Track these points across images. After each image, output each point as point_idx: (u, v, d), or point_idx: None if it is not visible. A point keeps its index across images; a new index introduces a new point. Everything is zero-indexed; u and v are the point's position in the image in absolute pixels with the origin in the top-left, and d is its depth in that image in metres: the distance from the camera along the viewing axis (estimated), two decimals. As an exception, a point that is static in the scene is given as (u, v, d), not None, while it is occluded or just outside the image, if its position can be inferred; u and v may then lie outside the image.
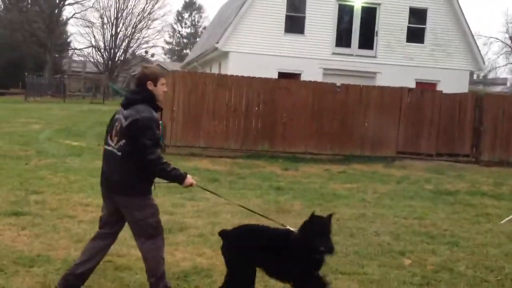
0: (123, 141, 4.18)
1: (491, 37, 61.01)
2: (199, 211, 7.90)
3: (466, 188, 11.39)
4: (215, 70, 24.44)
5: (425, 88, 19.07)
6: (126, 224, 6.81)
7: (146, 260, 4.39)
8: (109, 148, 4.31)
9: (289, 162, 13.94)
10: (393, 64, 22.35)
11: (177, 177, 4.25)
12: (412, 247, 6.51)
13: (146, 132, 4.09)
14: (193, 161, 13.29)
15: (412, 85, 20.38)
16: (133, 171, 4.17)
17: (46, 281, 4.76)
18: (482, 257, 6.22)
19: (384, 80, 20.51)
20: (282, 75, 20.45)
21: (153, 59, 63.11)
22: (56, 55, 51.79)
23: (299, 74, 21.36)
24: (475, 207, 9.30)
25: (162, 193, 8.95)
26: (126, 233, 6.39)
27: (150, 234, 4.31)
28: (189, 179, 4.29)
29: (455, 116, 16.06)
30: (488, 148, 16.08)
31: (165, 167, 4.16)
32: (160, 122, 15.65)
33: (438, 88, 20.63)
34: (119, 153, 4.20)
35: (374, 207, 8.83)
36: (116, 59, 54.34)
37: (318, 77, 18.93)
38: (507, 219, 3.92)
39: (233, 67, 20.08)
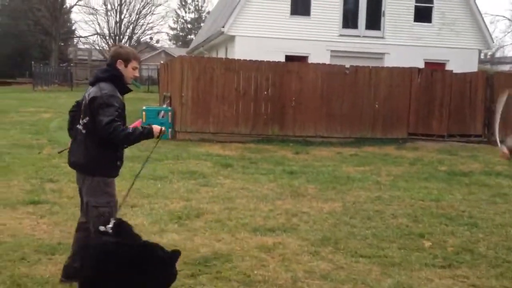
0: (87, 118, 4.06)
1: (497, 15, 60.32)
2: (214, 196, 7.89)
3: (480, 168, 11.31)
4: (221, 54, 24.32)
5: (434, 68, 18.89)
6: (143, 210, 6.88)
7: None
8: (78, 126, 4.21)
9: (300, 146, 13.90)
10: (401, 45, 22.14)
11: (145, 134, 4.05)
12: (431, 229, 6.48)
13: (105, 109, 3.94)
14: (204, 146, 13.28)
15: (421, 65, 20.15)
16: (96, 150, 4.06)
17: (69, 269, 4.76)
18: (502, 238, 6.18)
19: (392, 61, 20.30)
20: (289, 58, 20.29)
21: (158, 45, 62.95)
22: (62, 44, 51.72)
23: (306, 57, 21.20)
24: (491, 188, 9.24)
25: (176, 179, 8.99)
26: (144, 219, 6.45)
27: (100, 223, 4.08)
28: (155, 127, 4.11)
29: (466, 96, 15.91)
30: (500, 127, 15.87)
31: (128, 130, 3.96)
32: (170, 108, 15.77)
33: (447, 67, 20.45)
34: (84, 131, 4.10)
35: (390, 190, 8.79)
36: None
37: (326, 60, 18.75)
38: None
39: (239, 51, 19.97)
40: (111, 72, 4.15)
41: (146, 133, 4.06)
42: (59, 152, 4.15)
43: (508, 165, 11.77)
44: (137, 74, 4.31)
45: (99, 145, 4.05)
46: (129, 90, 4.33)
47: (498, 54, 58.85)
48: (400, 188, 8.96)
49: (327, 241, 5.86)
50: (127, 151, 4.34)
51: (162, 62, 25.13)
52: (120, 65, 4.17)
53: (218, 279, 4.68)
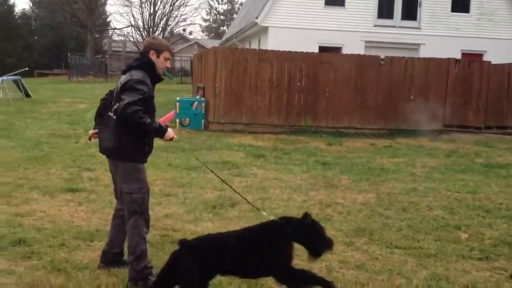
0: (117, 104, 4.10)
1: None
2: (247, 186, 7.93)
3: (518, 161, 11.06)
4: (254, 46, 24.31)
5: (471, 59, 18.47)
6: (177, 199, 6.97)
7: (128, 237, 4.28)
8: (109, 113, 4.26)
9: (333, 137, 13.82)
10: (437, 35, 21.74)
11: (158, 129, 4.07)
12: (467, 221, 6.38)
13: (131, 92, 3.98)
14: (237, 137, 13.34)
15: (458, 56, 19.74)
16: (125, 136, 4.10)
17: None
18: (542, 231, 6.04)
19: (428, 51, 19.93)
20: (323, 49, 20.17)
21: (191, 37, 63.26)
22: (97, 35, 52.50)
23: (341, 48, 21.05)
24: (529, 180, 9.03)
25: (208, 170, 9.05)
26: (179, 208, 6.55)
27: (134, 210, 4.17)
28: (171, 132, 4.12)
29: (504, 87, 15.56)
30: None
31: (145, 119, 3.96)
32: (203, 99, 15.87)
33: (485, 58, 19.98)
34: (114, 117, 4.15)
35: (425, 181, 8.67)
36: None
37: (360, 50, 18.56)
38: None
39: (272, 42, 19.93)
40: (142, 60, 4.22)
41: (159, 131, 4.09)
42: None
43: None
44: (168, 65, 4.37)
45: (128, 131, 4.10)
46: (161, 79, 4.38)
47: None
48: (436, 180, 8.84)
49: (361, 232, 5.83)
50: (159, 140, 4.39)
51: (195, 53, 25.31)
52: (152, 55, 4.23)
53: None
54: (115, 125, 4.17)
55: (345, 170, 9.49)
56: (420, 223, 6.23)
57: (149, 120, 4.03)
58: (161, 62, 4.27)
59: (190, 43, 59.14)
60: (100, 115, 4.49)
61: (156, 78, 4.29)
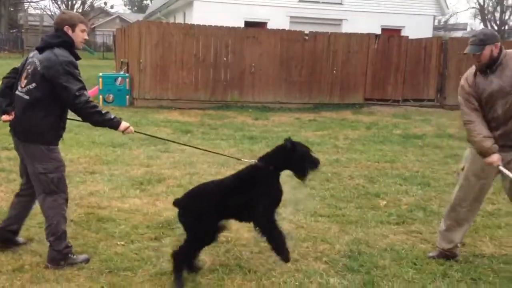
0: (33, 84, 3.96)
1: (452, -18, 61.23)
2: (175, 162, 7.92)
3: (433, 131, 11.72)
4: (179, 20, 23.89)
5: (391, 34, 19.16)
6: (103, 176, 6.85)
7: (46, 217, 4.13)
8: (18, 93, 4.08)
9: (259, 112, 14.00)
10: (359, 11, 22.31)
11: (112, 121, 4.02)
12: (386, 189, 6.74)
13: (68, 76, 3.88)
14: (163, 113, 13.20)
15: (378, 31, 20.44)
16: (40, 118, 3.97)
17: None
18: (453, 196, 6.48)
19: (350, 27, 20.50)
20: (248, 24, 20.17)
21: (112, 10, 61.19)
22: (11, 9, 49.57)
23: (266, 23, 21.12)
24: (442, 149, 9.62)
25: (136, 146, 8.95)
26: (105, 186, 6.45)
27: (51, 190, 4.06)
28: (125, 124, 4.09)
29: (421, 62, 16.29)
30: (452, 92, 16.40)
31: (99, 109, 3.94)
32: (127, 74, 15.47)
33: (403, 34, 20.76)
34: (27, 97, 3.99)
35: (347, 153, 9.03)
36: (74, 11, 52.41)
37: (285, 26, 18.71)
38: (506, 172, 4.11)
39: (198, 17, 19.68)
40: (63, 38, 4.05)
41: (113, 123, 4.04)
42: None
43: (459, 128, 12.23)
44: (86, 37, 4.21)
45: (42, 113, 3.96)
46: (79, 58, 4.20)
47: (451, 21, 59.96)
48: (357, 151, 9.22)
49: (286, 202, 6.00)
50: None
51: (118, 28, 24.53)
52: (68, 31, 4.07)
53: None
54: (27, 107, 3.98)
55: (271, 144, 9.60)
56: (342, 192, 6.51)
57: (103, 110, 3.96)
58: (78, 36, 4.11)
59: (112, 17, 57.21)
60: (3, 95, 4.22)
61: (76, 56, 4.12)
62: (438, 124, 12.75)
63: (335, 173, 7.47)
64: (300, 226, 5.25)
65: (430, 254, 4.57)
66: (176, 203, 4.05)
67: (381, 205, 6.06)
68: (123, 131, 4.12)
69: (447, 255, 4.49)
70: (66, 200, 4.20)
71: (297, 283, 3.94)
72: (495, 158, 4.09)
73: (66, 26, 4.07)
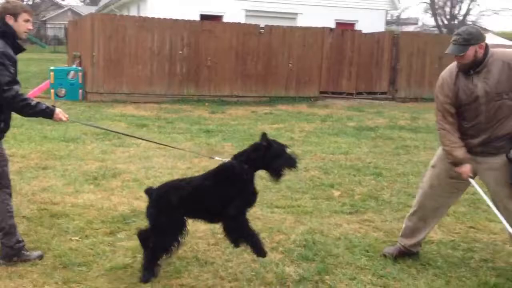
0: None
1: (404, -22, 62.43)
2: (130, 156, 7.84)
3: (385, 123, 12.01)
4: (133, 13, 23.52)
5: (345, 28, 19.47)
6: (55, 172, 6.73)
7: None
8: None
9: (216, 105, 14.00)
10: (313, 5, 22.51)
11: (45, 111, 3.92)
12: (340, 179, 6.88)
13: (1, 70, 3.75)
14: (118, 107, 13.02)
15: (332, 25, 20.72)
16: None
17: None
18: (404, 185, 6.69)
19: (305, 21, 20.68)
20: (204, 17, 20.04)
21: (64, 3, 59.58)
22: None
23: (222, 16, 21.06)
24: (394, 141, 9.88)
25: (90, 140, 8.81)
26: (58, 181, 6.33)
27: None
28: (60, 113, 3.99)
29: (374, 56, 16.64)
30: (404, 85, 16.89)
31: (28, 102, 3.84)
32: (80, 68, 15.16)
33: (357, 28, 21.13)
34: None
35: (302, 145, 9.16)
36: (24, 2, 50.76)
37: (241, 19, 18.75)
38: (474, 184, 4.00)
39: (152, 9, 19.44)
40: (2, 28, 3.91)
41: (47, 113, 3.93)
42: None
43: (410, 119, 12.60)
44: (30, 27, 4.07)
45: None
46: (23, 49, 4.11)
47: (403, 16, 61.31)
48: (312, 143, 9.37)
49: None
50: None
51: (70, 20, 23.95)
52: (10, 20, 3.94)
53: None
54: None
55: (227, 137, 9.70)
56: (297, 183, 6.61)
57: (33, 102, 3.84)
58: (21, 26, 3.96)
59: (64, 9, 55.72)
60: None
61: (19, 47, 4.00)
62: (390, 116, 13.08)
63: (291, 165, 7.56)
64: (257, 218, 5.30)
65: (388, 251, 4.40)
66: (148, 191, 3.93)
67: (335, 195, 6.20)
68: (58, 120, 4.00)
69: (405, 253, 4.35)
70: (10, 194, 4.10)
71: (253, 273, 3.99)
72: (465, 169, 3.90)
73: (8, 16, 3.92)
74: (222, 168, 3.92)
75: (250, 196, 3.86)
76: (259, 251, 3.82)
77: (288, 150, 3.88)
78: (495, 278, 4.03)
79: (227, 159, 4.03)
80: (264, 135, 3.85)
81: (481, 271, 4.15)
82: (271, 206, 5.69)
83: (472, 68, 3.80)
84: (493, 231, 5.14)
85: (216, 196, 3.80)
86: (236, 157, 3.92)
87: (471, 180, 3.96)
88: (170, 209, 3.78)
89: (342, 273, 4.07)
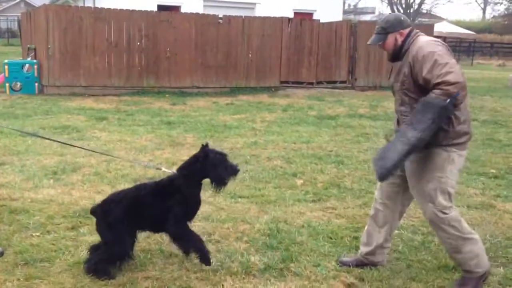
0: None
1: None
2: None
3: (345, 112, 12.19)
4: (89, 4, 22.99)
5: (303, 17, 19.58)
6: (13, 167, 6.56)
7: None
8: None
9: (177, 97, 13.89)
10: (271, -5, 22.57)
11: None
12: (302, 168, 6.96)
13: None
14: (76, 100, 12.75)
15: (291, 15, 20.80)
16: None
17: None
18: (365, 172, 6.82)
19: (263, 11, 20.72)
20: (161, 8, 19.82)
21: (15, -7, 57.63)
22: None
23: (179, 7, 20.86)
24: (354, 129, 10.05)
25: (47, 135, 8.60)
26: (16, 177, 6.18)
27: None
28: None
29: (332, 45, 16.80)
30: (363, 74, 17.14)
31: None
32: (35, 61, 14.76)
33: (315, 17, 21.30)
34: None
35: (264, 135, 9.20)
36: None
37: (199, 10, 18.63)
38: None
39: (108, 0, 19.06)
40: None
41: None
42: None
43: (369, 108, 12.83)
44: None
45: None
46: None
47: (360, 5, 62.10)
48: (274, 133, 9.43)
49: (207, 185, 6.04)
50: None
51: (23, 12, 23.20)
52: None
53: (100, 229, 4.67)
54: None
55: (189, 129, 9.65)
56: (261, 173, 6.65)
57: None
58: None
59: (16, 1, 53.86)
60: None
61: None
62: (350, 105, 13.27)
63: (254, 155, 7.61)
64: (221, 208, 5.32)
65: (346, 260, 4.08)
66: (93, 211, 3.96)
67: (298, 184, 6.27)
68: None
69: (363, 262, 3.99)
70: None
71: (218, 263, 4.01)
72: None
73: None
74: (166, 180, 4.00)
75: (190, 206, 3.94)
76: (204, 260, 3.90)
77: (228, 159, 3.94)
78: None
79: (171, 170, 4.11)
80: (203, 146, 3.91)
81: (441, 254, 4.28)
82: (235, 196, 5.70)
83: (396, 56, 3.71)
84: (450, 214, 5.30)
85: (156, 208, 3.88)
86: (179, 169, 4.00)
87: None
88: (117, 223, 3.79)
89: (306, 260, 4.13)
